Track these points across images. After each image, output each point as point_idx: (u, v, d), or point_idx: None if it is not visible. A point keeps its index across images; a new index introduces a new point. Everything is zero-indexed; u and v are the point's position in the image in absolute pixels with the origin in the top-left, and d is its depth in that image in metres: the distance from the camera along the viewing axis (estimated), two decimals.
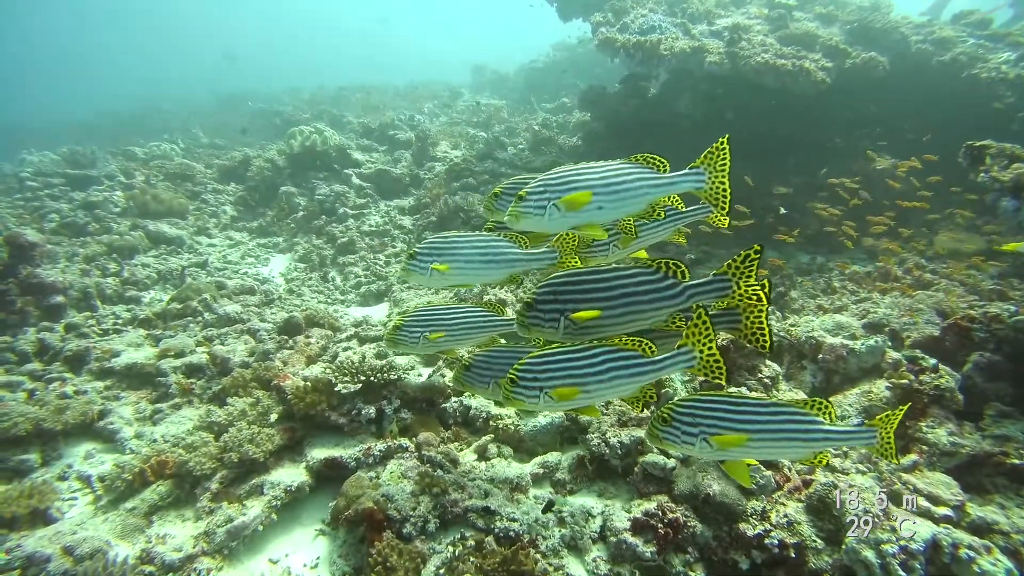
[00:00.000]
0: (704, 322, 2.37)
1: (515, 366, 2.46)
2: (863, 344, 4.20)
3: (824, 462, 2.40)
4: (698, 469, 3.24)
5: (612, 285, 2.47)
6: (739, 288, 2.44)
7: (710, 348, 2.37)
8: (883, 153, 7.65)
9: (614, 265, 2.57)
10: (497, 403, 4.18)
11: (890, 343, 4.38)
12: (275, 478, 3.61)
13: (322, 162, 10.53)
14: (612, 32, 7.85)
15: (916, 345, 4.49)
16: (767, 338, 2.50)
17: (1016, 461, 3.29)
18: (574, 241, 2.75)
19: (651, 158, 2.53)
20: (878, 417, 2.39)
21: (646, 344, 2.44)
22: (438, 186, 9.63)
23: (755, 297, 2.42)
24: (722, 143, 2.46)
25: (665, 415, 2.34)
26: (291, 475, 3.66)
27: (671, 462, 3.29)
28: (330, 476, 3.67)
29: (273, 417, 4.12)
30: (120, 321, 6.23)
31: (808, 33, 7.56)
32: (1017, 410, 3.89)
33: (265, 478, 3.62)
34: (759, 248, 2.41)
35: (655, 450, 3.40)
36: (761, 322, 2.50)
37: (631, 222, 2.68)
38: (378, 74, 26.10)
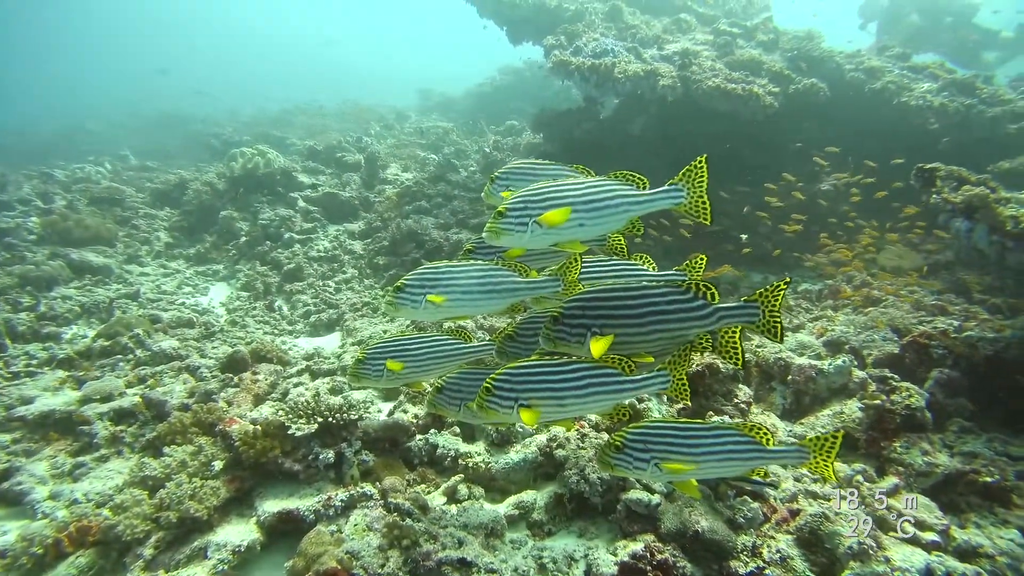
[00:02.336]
0: (685, 353, 2.52)
1: (492, 375, 2.45)
2: (831, 364, 4.20)
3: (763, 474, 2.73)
4: (684, 504, 3.09)
5: (642, 303, 2.47)
6: (763, 317, 2.49)
7: (680, 375, 2.52)
8: (825, 175, 7.98)
9: (644, 283, 2.57)
10: (465, 437, 3.95)
11: (855, 362, 4.43)
12: (221, 538, 3.21)
13: (266, 185, 10.03)
14: (566, 55, 7.88)
15: (878, 363, 4.55)
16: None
17: (988, 479, 3.32)
18: (577, 268, 2.63)
19: (630, 175, 2.52)
20: (809, 438, 2.51)
21: (625, 362, 2.49)
22: (390, 209, 9.34)
23: (773, 331, 2.48)
24: (700, 162, 2.50)
25: (617, 442, 2.40)
26: (239, 533, 3.26)
27: (656, 498, 3.12)
28: (285, 531, 3.29)
29: (217, 466, 3.70)
30: (35, 362, 5.57)
31: (754, 59, 7.83)
32: (976, 425, 3.98)
33: (209, 538, 3.21)
34: (788, 280, 2.47)
35: (638, 486, 3.23)
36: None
37: (621, 240, 2.65)
38: (321, 96, 25.45)
